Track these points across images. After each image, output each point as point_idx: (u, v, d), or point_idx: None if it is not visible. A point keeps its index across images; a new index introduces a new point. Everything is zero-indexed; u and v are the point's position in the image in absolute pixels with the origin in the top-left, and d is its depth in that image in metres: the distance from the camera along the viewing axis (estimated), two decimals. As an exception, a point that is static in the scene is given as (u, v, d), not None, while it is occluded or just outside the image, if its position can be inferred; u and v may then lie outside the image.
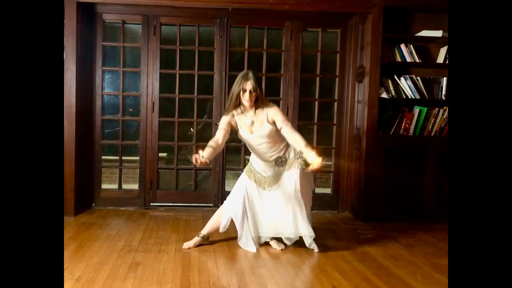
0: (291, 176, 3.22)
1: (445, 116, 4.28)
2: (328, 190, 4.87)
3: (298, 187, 3.19)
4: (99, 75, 4.47)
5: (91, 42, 4.41)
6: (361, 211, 4.29)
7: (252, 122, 3.19)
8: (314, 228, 3.93)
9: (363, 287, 2.63)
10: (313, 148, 2.98)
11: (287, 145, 3.29)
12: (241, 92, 3.09)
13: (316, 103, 4.71)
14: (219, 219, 3.34)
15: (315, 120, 4.71)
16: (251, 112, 3.19)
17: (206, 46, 4.58)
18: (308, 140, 4.68)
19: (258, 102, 3.15)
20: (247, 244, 3.31)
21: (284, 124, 3.12)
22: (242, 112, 3.20)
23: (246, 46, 4.58)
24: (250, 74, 3.09)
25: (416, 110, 4.29)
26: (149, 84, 4.50)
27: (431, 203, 4.30)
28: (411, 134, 4.29)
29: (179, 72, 4.55)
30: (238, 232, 3.32)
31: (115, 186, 4.69)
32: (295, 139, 3.10)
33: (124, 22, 4.48)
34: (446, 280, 2.78)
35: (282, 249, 3.31)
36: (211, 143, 3.06)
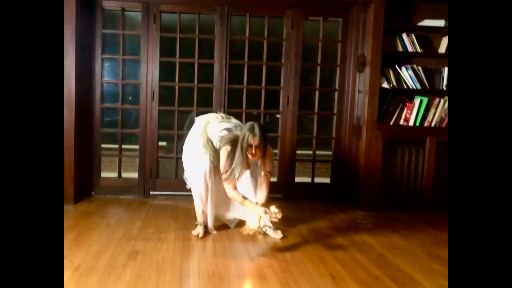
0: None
1: (446, 107, 4.26)
2: (327, 180, 4.87)
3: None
4: (98, 63, 4.45)
5: (91, 29, 4.38)
6: (360, 201, 4.30)
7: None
8: (314, 218, 3.97)
9: (362, 276, 2.64)
10: (266, 211, 3.04)
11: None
12: (248, 148, 3.03)
13: (317, 92, 4.69)
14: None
15: (316, 110, 4.70)
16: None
17: (207, 34, 4.55)
18: (309, 130, 4.74)
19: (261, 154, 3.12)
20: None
21: (265, 174, 3.22)
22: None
23: (247, 35, 4.55)
24: (257, 130, 3.01)
25: (417, 100, 4.27)
26: (149, 72, 4.48)
27: (430, 194, 4.30)
28: (412, 125, 4.28)
29: (179, 61, 4.52)
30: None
31: (114, 174, 4.69)
32: (262, 192, 3.25)
33: (123, 10, 4.44)
34: (444, 270, 2.79)
35: (281, 238, 3.32)
36: (242, 195, 3.18)
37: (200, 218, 3.37)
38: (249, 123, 3.09)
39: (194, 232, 3.33)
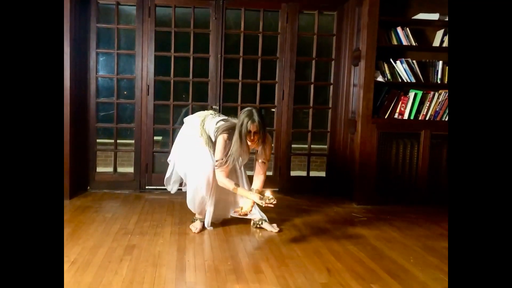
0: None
1: (440, 100, 4.28)
2: (322, 173, 4.89)
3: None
4: (93, 58, 4.43)
5: (85, 24, 4.36)
6: (355, 194, 4.31)
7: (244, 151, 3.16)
8: (309, 211, 3.99)
9: (357, 269, 2.67)
10: (261, 197, 3.09)
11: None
12: (247, 134, 3.03)
13: (312, 86, 4.70)
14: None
15: (311, 104, 4.70)
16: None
17: (202, 28, 4.54)
18: (303, 124, 4.74)
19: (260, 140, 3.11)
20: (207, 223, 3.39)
21: (262, 161, 3.24)
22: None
23: (242, 29, 4.54)
24: (255, 116, 3.01)
25: (412, 93, 4.28)
26: (144, 67, 4.47)
27: (425, 187, 4.33)
28: (406, 118, 4.30)
29: (174, 55, 4.51)
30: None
31: (110, 169, 4.69)
32: (259, 178, 3.28)
33: (118, 4, 4.42)
34: (438, 262, 2.82)
35: (277, 231, 3.33)
36: (233, 182, 3.20)
37: (199, 214, 3.38)
38: (246, 109, 3.09)
39: (192, 227, 3.33)
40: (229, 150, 3.11)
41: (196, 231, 3.27)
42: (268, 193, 3.06)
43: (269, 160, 3.29)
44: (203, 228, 3.34)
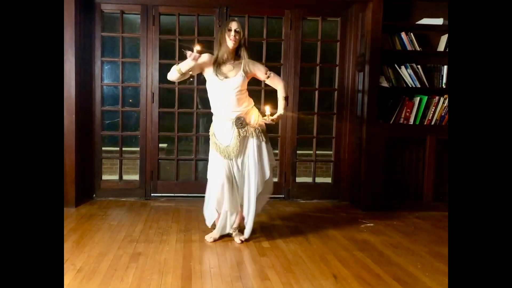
0: (251, 157, 3.22)
1: (445, 105, 4.26)
2: (328, 180, 4.88)
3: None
4: (98, 66, 4.46)
5: (90, 32, 4.39)
6: (361, 200, 4.30)
7: (231, 69, 3.17)
8: (315, 218, 3.97)
9: (364, 276, 2.65)
10: (285, 100, 3.29)
11: (250, 109, 3.29)
12: (227, 32, 3.09)
13: (316, 92, 4.69)
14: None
15: (315, 110, 4.70)
16: (230, 61, 3.19)
17: (206, 36, 4.56)
18: (309, 130, 4.74)
19: (241, 48, 3.16)
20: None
21: (267, 74, 3.26)
22: (222, 61, 3.18)
23: (246, 36, 4.54)
24: (236, 19, 3.16)
25: (417, 98, 4.27)
26: (149, 75, 4.49)
27: (431, 192, 4.30)
28: (411, 123, 4.28)
29: (179, 62, 4.51)
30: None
31: (115, 177, 4.70)
32: (279, 87, 3.33)
33: (122, 12, 4.45)
34: (446, 268, 2.79)
35: (240, 243, 3.21)
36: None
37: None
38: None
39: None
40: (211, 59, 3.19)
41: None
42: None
43: (268, 70, 3.28)
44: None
